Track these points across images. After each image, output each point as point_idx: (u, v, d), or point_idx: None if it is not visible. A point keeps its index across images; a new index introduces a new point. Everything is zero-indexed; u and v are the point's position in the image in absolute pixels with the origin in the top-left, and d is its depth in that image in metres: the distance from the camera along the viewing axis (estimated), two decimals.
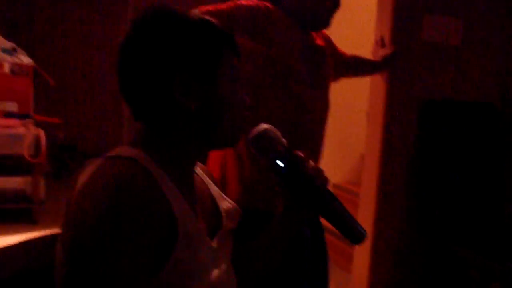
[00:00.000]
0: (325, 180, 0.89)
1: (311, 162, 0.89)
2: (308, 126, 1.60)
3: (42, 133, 3.61)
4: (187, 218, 0.79)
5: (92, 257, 0.68)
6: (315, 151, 1.63)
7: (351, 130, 3.25)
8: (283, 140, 0.90)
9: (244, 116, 0.90)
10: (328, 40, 1.79)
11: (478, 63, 2.27)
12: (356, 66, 1.98)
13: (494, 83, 2.30)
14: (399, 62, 2.13)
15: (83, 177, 0.77)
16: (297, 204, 0.92)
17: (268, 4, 1.56)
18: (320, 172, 0.88)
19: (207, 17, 0.86)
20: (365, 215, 2.25)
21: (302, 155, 0.88)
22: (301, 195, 0.88)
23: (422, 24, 2.15)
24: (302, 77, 1.57)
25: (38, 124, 3.77)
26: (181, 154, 0.85)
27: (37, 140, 3.62)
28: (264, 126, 0.90)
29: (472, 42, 2.25)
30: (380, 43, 2.13)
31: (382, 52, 2.08)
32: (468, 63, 2.25)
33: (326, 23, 1.64)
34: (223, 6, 1.48)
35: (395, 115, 2.16)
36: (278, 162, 0.87)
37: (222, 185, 1.52)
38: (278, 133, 0.90)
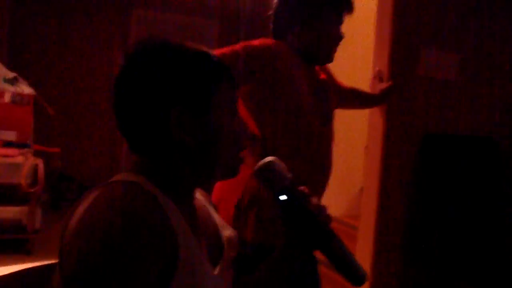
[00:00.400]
0: (327, 217, 0.87)
1: (315, 199, 0.88)
2: (317, 159, 1.63)
3: (40, 163, 3.60)
4: (190, 244, 0.78)
5: (96, 282, 0.66)
6: (323, 184, 1.66)
7: (350, 163, 3.26)
8: (289, 173, 0.89)
9: (243, 147, 0.89)
10: (328, 73, 1.82)
11: (475, 97, 2.28)
12: (354, 98, 2.01)
13: (492, 118, 2.31)
14: (397, 96, 2.14)
15: (84, 203, 0.75)
16: (298, 239, 0.90)
17: (276, 42, 1.62)
18: (323, 209, 0.87)
19: (203, 49, 0.85)
20: (363, 249, 2.22)
21: (307, 191, 0.88)
22: (303, 231, 0.87)
23: (419, 59, 2.18)
24: (310, 111, 1.61)
25: (36, 154, 3.78)
26: (181, 185, 0.85)
27: (35, 169, 3.61)
28: (270, 158, 0.89)
29: (470, 77, 2.27)
30: (378, 77, 2.15)
31: (380, 86, 2.10)
32: (466, 98, 2.27)
33: (330, 58, 1.70)
34: (236, 47, 1.53)
35: (394, 149, 2.16)
36: (281, 195, 0.86)
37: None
38: (284, 166, 0.89)
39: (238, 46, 1.54)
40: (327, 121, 1.70)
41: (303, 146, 1.59)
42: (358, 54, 3.12)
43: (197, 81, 0.81)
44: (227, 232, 0.97)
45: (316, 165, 1.63)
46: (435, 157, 2.16)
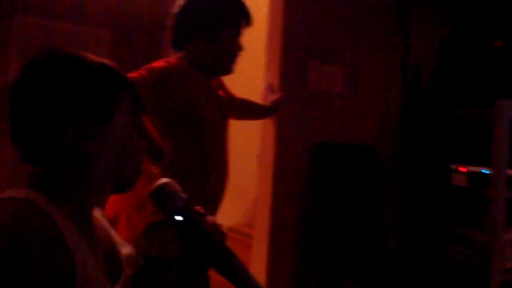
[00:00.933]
0: (223, 235, 0.89)
1: (210, 218, 0.90)
2: (221, 173, 1.71)
3: None
4: (87, 262, 0.76)
5: None
6: (222, 195, 1.74)
7: (244, 172, 3.30)
8: (183, 194, 0.90)
9: (139, 161, 0.89)
10: (221, 83, 1.86)
11: (359, 109, 2.45)
12: (246, 109, 2.07)
13: (374, 129, 2.49)
14: (287, 107, 2.23)
15: None
16: (195, 258, 0.91)
17: (175, 62, 1.64)
18: (218, 227, 0.89)
19: (104, 60, 0.85)
20: (258, 256, 2.27)
21: (202, 210, 0.90)
22: (199, 250, 0.88)
23: (307, 72, 2.29)
24: (214, 128, 1.68)
25: None
26: (78, 198, 0.82)
27: None
28: (164, 180, 0.90)
29: (352, 89, 2.43)
30: (270, 88, 2.23)
31: (271, 98, 2.18)
32: (350, 109, 2.42)
33: (230, 69, 1.75)
34: (141, 71, 1.54)
35: (285, 157, 2.24)
36: (176, 217, 0.87)
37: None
38: (178, 188, 0.90)
39: (143, 71, 1.54)
40: (225, 131, 1.77)
41: (209, 163, 1.65)
42: (249, 65, 3.19)
43: (96, 91, 0.81)
44: (125, 249, 0.95)
45: (220, 179, 1.71)
46: (323, 164, 2.28)
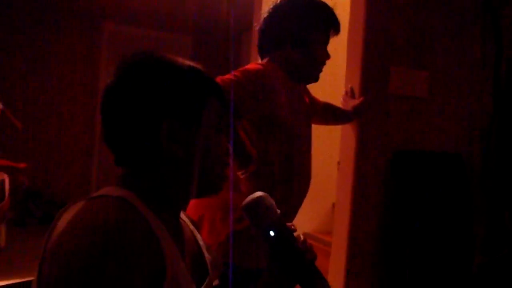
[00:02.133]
0: (314, 255, 0.87)
1: (301, 236, 0.88)
2: (305, 181, 1.72)
3: (6, 178, 3.51)
4: (176, 260, 0.77)
5: None
6: (301, 203, 1.75)
7: (322, 179, 3.27)
8: (277, 209, 0.89)
9: (226, 164, 0.90)
10: (304, 87, 1.86)
11: (445, 114, 2.33)
12: (327, 114, 2.05)
13: (461, 134, 2.37)
14: (369, 113, 2.17)
15: (66, 217, 0.74)
16: (283, 275, 0.88)
17: (268, 66, 1.65)
18: (309, 247, 0.88)
19: (193, 64, 0.86)
20: (336, 264, 2.23)
21: (294, 227, 0.88)
22: (289, 268, 0.86)
23: (389, 76, 2.22)
24: (300, 136, 1.69)
25: (2, 169, 3.67)
26: (167, 198, 0.84)
27: (0, 185, 3.51)
28: (259, 193, 0.89)
29: (439, 94, 2.32)
30: (350, 94, 2.19)
31: (352, 103, 2.13)
32: (435, 114, 2.31)
33: (316, 77, 1.76)
34: (235, 73, 1.55)
35: (366, 164, 2.18)
36: (270, 231, 0.86)
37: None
38: (273, 202, 0.89)
39: (237, 73, 1.56)
40: (309, 139, 1.77)
41: (294, 170, 1.65)
42: (329, 71, 3.15)
43: (188, 94, 0.83)
44: (210, 253, 0.96)
45: (304, 187, 1.71)
46: (405, 173, 2.19)
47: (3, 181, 3.51)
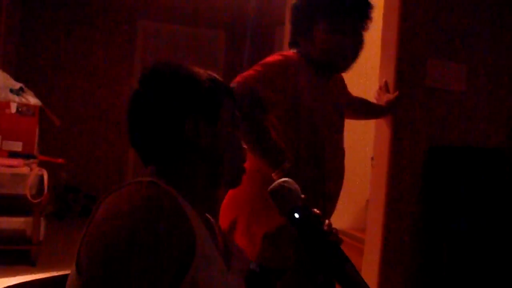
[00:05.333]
0: (339, 238, 0.90)
1: (327, 220, 0.92)
2: (334, 171, 1.68)
3: (45, 174, 3.60)
4: (206, 240, 0.85)
5: (118, 267, 0.72)
6: (337, 194, 1.72)
7: (356, 175, 3.22)
8: (302, 195, 0.92)
9: (242, 159, 0.99)
10: (338, 80, 1.81)
11: (484, 108, 2.26)
12: (361, 109, 2.00)
13: (500, 129, 2.28)
14: (404, 106, 2.12)
15: (104, 204, 0.82)
16: (310, 260, 0.92)
17: (293, 57, 1.62)
18: (334, 230, 0.91)
19: (208, 72, 0.98)
20: (370, 262, 2.19)
21: (319, 212, 0.92)
22: (314, 250, 0.88)
23: (426, 69, 2.15)
24: (324, 123, 1.64)
25: (41, 164, 3.77)
26: (195, 188, 0.93)
27: (40, 180, 3.61)
28: (285, 178, 0.94)
29: (477, 87, 2.24)
30: (384, 88, 2.13)
31: (386, 97, 2.08)
32: (474, 109, 2.24)
33: (349, 65, 1.69)
34: (251, 70, 1.54)
35: (400, 160, 2.13)
36: (295, 214, 0.89)
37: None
38: (297, 187, 0.93)
39: (258, 67, 1.55)
40: (341, 130, 1.74)
41: (325, 164, 1.62)
42: (364, 63, 3.09)
43: (208, 95, 0.94)
44: (236, 248, 1.04)
45: (336, 179, 1.68)
46: (443, 169, 2.13)
47: (42, 176, 3.61)
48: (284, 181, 0.93)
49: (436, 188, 2.13)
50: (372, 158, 2.33)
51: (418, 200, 2.15)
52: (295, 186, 0.93)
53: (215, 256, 0.87)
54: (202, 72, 0.97)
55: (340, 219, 3.27)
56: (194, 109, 0.92)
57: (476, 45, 2.24)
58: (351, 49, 1.63)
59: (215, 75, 0.99)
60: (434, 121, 2.18)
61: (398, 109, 2.11)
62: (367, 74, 2.94)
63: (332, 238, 0.88)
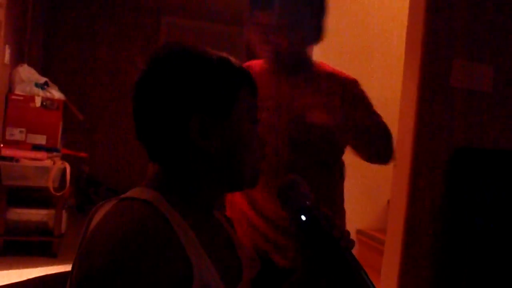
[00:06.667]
0: (350, 243, 0.81)
1: (338, 222, 0.83)
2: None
3: (68, 167, 3.65)
4: (204, 265, 0.75)
5: None
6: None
7: (377, 175, 3.19)
8: (311, 194, 0.84)
9: (262, 156, 0.86)
10: (318, 79, 1.55)
11: (510, 110, 2.21)
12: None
13: None
14: (427, 108, 2.09)
15: (97, 218, 0.76)
16: (316, 264, 0.82)
17: (257, 61, 1.55)
18: (346, 233, 0.81)
19: (224, 55, 0.83)
20: (390, 263, 2.16)
21: (330, 213, 0.82)
22: (321, 255, 0.79)
23: (451, 70, 2.12)
24: (268, 130, 1.49)
25: (64, 158, 3.83)
26: (199, 197, 0.82)
27: (62, 173, 3.66)
28: (293, 176, 0.85)
29: (504, 89, 2.20)
30: None
31: None
32: (500, 111, 2.19)
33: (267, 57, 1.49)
34: None
35: (423, 161, 2.10)
36: (302, 216, 0.81)
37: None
38: (306, 186, 0.84)
39: None
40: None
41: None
42: (389, 65, 3.07)
43: (219, 87, 0.79)
44: (245, 252, 0.94)
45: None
46: (467, 171, 2.09)
47: (65, 169, 3.66)
48: (292, 179, 0.85)
49: (460, 190, 2.09)
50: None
51: (440, 202, 2.12)
52: (303, 185, 0.84)
53: (215, 281, 0.77)
54: (214, 57, 0.81)
55: (361, 219, 3.25)
56: (200, 104, 0.78)
57: (502, 45, 2.19)
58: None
59: (231, 59, 0.84)
60: (458, 123, 2.14)
61: (422, 109, 2.08)
62: (389, 73, 2.91)
63: (342, 244, 0.79)
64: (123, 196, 0.78)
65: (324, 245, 0.79)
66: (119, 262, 0.66)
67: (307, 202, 0.82)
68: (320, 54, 3.34)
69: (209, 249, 0.79)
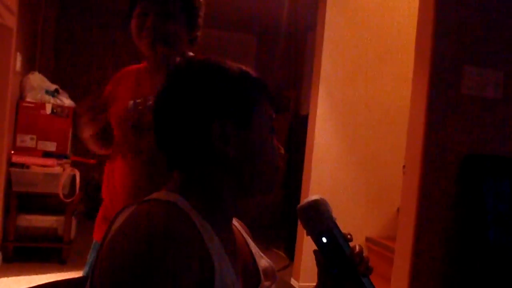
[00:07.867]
0: (369, 268, 0.83)
1: (357, 247, 0.84)
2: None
3: (77, 174, 3.67)
4: (225, 268, 0.75)
5: None
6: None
7: (387, 183, 3.17)
8: (333, 216, 0.84)
9: (277, 166, 0.87)
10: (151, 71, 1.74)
11: None
12: None
13: None
14: (437, 114, 2.07)
15: (120, 219, 0.76)
16: (334, 285, 0.85)
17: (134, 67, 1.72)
18: (365, 259, 0.83)
19: (242, 66, 0.86)
20: (400, 271, 2.14)
21: (350, 237, 0.84)
22: (341, 279, 0.82)
23: (461, 76, 2.10)
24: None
25: (74, 165, 3.84)
26: (219, 202, 0.83)
27: (72, 180, 3.68)
28: (315, 197, 0.85)
29: None
30: None
31: None
32: (510, 117, 2.17)
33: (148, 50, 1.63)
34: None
35: (433, 169, 2.08)
36: (323, 238, 0.82)
37: None
38: (329, 207, 0.84)
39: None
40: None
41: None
42: (398, 71, 3.05)
43: (239, 95, 0.82)
44: (263, 262, 0.94)
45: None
46: (476, 179, 2.07)
47: (74, 176, 3.68)
48: (316, 200, 0.84)
49: (471, 197, 2.07)
50: (403, 166, 2.29)
51: (450, 209, 2.10)
52: (327, 206, 0.84)
53: (234, 283, 0.77)
54: (234, 68, 0.85)
55: (370, 227, 3.22)
56: (221, 112, 0.81)
57: None
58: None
59: (248, 70, 0.87)
60: (468, 129, 2.12)
61: (431, 116, 2.06)
62: (399, 79, 2.89)
63: (360, 269, 0.80)
64: (145, 198, 0.78)
65: (342, 269, 0.81)
66: (144, 261, 0.66)
67: (330, 224, 0.83)
68: (331, 63, 3.35)
69: (230, 255, 0.80)
